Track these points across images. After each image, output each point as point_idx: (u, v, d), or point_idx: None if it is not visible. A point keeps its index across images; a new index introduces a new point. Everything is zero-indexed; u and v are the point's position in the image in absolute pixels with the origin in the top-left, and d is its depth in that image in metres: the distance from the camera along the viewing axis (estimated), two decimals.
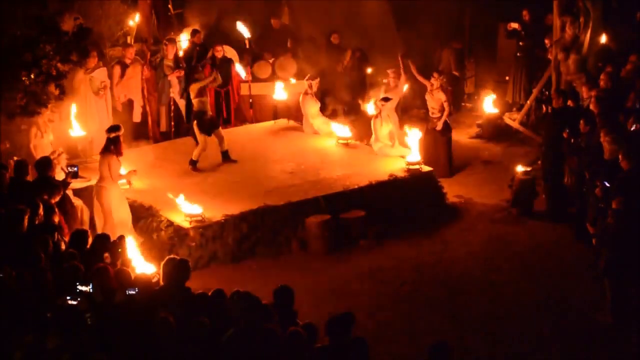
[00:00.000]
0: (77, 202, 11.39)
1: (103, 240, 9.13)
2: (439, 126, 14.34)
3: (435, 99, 14.35)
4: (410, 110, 16.83)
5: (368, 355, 7.15)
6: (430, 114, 14.54)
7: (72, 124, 13.29)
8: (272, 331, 6.91)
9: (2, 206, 9.33)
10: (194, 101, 13.33)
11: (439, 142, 14.37)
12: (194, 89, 13.28)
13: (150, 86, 15.08)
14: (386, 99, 13.95)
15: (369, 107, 15.00)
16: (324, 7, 17.45)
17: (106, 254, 8.85)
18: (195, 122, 13.29)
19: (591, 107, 12.17)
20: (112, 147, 11.33)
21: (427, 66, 16.38)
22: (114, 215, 11.26)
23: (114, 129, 11.51)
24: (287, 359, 6.86)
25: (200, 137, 13.26)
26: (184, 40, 16.18)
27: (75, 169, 11.07)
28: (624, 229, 9.69)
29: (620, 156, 10.43)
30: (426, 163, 13.35)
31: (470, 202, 13.50)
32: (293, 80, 15.90)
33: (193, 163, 13.31)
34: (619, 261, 9.73)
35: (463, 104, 17.79)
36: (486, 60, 18.17)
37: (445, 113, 14.36)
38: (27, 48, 11.61)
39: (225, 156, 13.56)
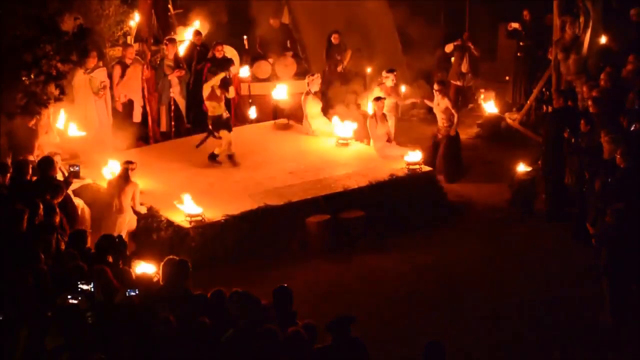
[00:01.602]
0: (78, 202, 11.39)
1: (107, 241, 9.11)
2: (453, 131, 14.31)
3: (442, 108, 14.29)
4: (410, 110, 16.84)
5: (368, 355, 7.16)
6: (440, 124, 14.40)
7: (70, 124, 13.29)
8: (272, 331, 6.91)
9: (2, 206, 9.33)
10: (207, 105, 13.30)
11: (447, 147, 14.31)
12: (205, 88, 13.29)
13: (150, 86, 15.07)
14: (378, 99, 13.96)
15: (369, 108, 14.99)
16: (324, 7, 17.45)
17: (109, 256, 8.85)
18: (211, 126, 13.33)
19: (590, 107, 12.19)
20: (129, 176, 11.35)
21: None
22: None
23: (131, 161, 11.52)
24: (287, 359, 6.87)
25: (222, 133, 13.26)
26: (187, 38, 16.18)
27: (77, 168, 11.07)
28: (623, 228, 9.70)
29: (617, 155, 10.46)
30: (436, 170, 13.44)
31: (470, 202, 13.51)
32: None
33: (230, 157, 13.36)
34: (618, 260, 9.74)
35: (470, 105, 17.71)
36: (486, 60, 18.16)
37: (455, 118, 14.33)
38: (27, 48, 11.60)
39: (230, 158, 13.54)
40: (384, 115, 13.95)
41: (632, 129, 11.57)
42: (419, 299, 10.63)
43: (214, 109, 13.26)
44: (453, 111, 14.31)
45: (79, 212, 11.20)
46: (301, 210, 12.03)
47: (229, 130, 13.35)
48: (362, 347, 7.13)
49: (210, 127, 13.41)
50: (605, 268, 9.91)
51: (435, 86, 14.47)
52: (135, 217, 11.45)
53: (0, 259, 8.22)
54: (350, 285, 11.01)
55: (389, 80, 14.61)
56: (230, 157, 13.49)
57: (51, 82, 12.02)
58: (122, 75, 14.66)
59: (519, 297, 10.55)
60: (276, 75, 16.39)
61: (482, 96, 16.47)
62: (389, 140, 13.96)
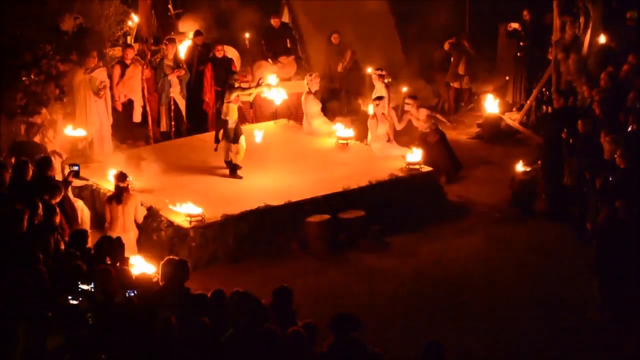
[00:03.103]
0: (78, 202, 11.39)
1: (107, 242, 9.10)
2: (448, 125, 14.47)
3: (422, 117, 14.29)
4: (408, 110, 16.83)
5: (367, 355, 7.16)
6: (426, 130, 14.35)
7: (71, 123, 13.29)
8: (272, 331, 6.92)
9: (2, 206, 9.33)
10: (225, 105, 12.94)
11: (435, 149, 14.24)
12: (236, 97, 12.90)
13: (150, 86, 15.06)
14: (379, 98, 13.97)
15: (369, 107, 14.99)
16: (324, 7, 17.46)
17: (107, 257, 8.84)
18: (227, 134, 12.89)
19: (594, 107, 12.19)
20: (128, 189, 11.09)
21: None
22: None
23: (123, 175, 11.14)
24: (287, 359, 6.87)
25: (234, 147, 12.86)
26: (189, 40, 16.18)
27: (77, 167, 11.05)
28: (613, 227, 9.72)
29: (616, 156, 10.46)
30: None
31: (470, 202, 13.50)
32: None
33: (232, 167, 12.99)
34: (609, 260, 9.74)
35: (471, 105, 17.67)
36: (486, 60, 18.16)
37: (441, 118, 14.49)
38: (27, 48, 11.62)
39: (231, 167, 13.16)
40: (384, 115, 13.96)
41: (630, 129, 11.58)
42: (419, 299, 10.64)
43: (234, 114, 12.89)
44: (433, 113, 14.44)
45: (78, 212, 11.19)
46: (301, 210, 12.03)
47: (234, 141, 12.86)
48: (361, 347, 7.13)
49: (224, 133, 12.89)
50: (595, 267, 9.93)
51: (409, 101, 14.43)
52: (137, 230, 11.34)
53: (0, 259, 8.22)
54: (350, 285, 11.01)
55: (375, 79, 14.62)
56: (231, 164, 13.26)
57: (51, 82, 12.05)
58: (122, 75, 14.67)
59: (519, 296, 10.56)
60: (276, 75, 16.36)
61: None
62: (389, 140, 13.97)
